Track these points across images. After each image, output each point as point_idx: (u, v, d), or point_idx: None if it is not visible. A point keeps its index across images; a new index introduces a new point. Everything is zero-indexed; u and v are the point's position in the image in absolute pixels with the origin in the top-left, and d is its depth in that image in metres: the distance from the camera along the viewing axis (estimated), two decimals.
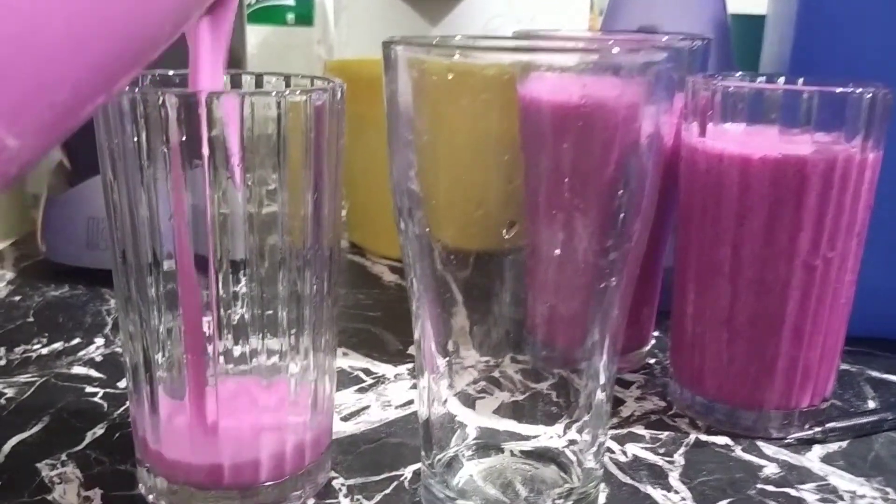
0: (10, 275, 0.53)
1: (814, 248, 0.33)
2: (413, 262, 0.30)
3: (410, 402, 0.38)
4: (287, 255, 0.28)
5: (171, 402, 0.29)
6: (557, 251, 0.30)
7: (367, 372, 0.41)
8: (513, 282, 0.30)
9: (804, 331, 0.35)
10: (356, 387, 0.40)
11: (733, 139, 0.34)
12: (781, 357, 0.35)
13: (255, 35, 0.91)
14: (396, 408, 0.38)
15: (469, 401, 0.31)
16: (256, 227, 0.27)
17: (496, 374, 0.32)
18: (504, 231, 0.29)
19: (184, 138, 0.26)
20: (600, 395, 0.30)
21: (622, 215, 0.29)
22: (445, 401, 0.32)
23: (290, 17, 0.93)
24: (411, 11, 0.71)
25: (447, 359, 0.31)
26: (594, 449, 0.31)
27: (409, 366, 0.42)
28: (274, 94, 0.27)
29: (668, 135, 0.38)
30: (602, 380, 0.31)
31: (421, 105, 0.28)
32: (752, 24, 0.56)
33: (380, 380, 0.41)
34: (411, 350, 0.44)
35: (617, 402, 0.39)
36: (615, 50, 0.26)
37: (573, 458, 0.31)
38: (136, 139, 0.26)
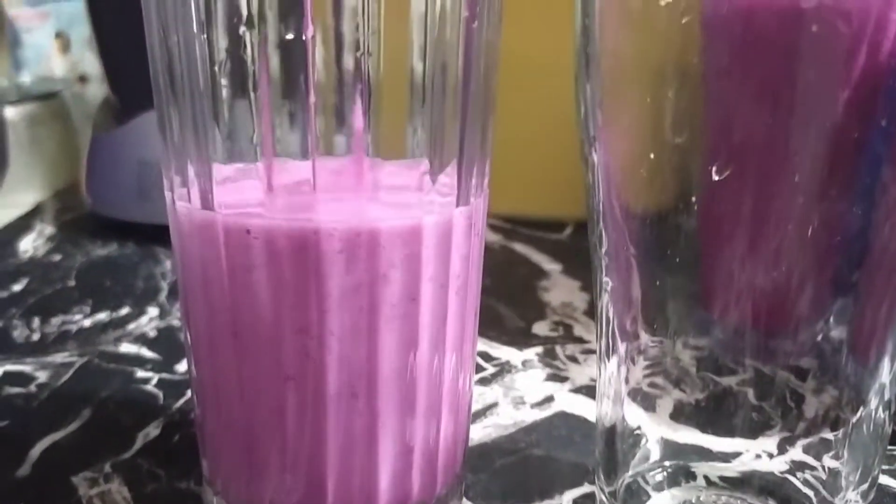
0: (49, 230, 0.45)
1: None
2: (602, 216, 0.22)
3: (550, 398, 0.29)
4: None
5: None
6: (776, 204, 0.21)
7: (487, 357, 0.32)
8: (712, 246, 0.21)
9: None
10: (477, 376, 0.31)
11: None
12: None
13: None
14: (532, 406, 0.29)
15: (648, 400, 0.23)
16: None
17: (697, 364, 0.23)
18: (714, 171, 0.21)
19: None
20: (881, 413, 0.21)
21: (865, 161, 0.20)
22: (623, 400, 0.23)
23: None
24: None
25: (630, 343, 0.23)
26: (858, 486, 0.21)
27: (538, 349, 0.33)
28: None
29: None
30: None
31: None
32: None
33: (504, 367, 0.32)
34: (536, 329, 0.35)
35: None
36: None
37: (807, 491, 0.22)
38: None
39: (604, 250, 0.22)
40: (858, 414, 0.21)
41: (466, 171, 0.20)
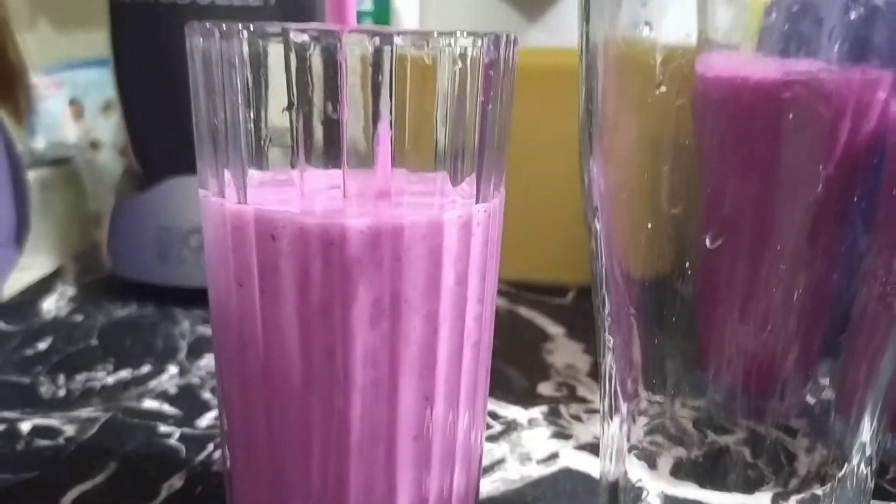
0: (71, 291, 0.47)
1: None
2: (604, 281, 0.23)
3: (555, 455, 0.31)
4: None
5: None
6: (765, 268, 0.22)
7: (494, 415, 0.34)
8: (717, 304, 0.23)
9: None
10: (486, 433, 0.32)
11: None
12: None
13: None
14: (538, 462, 0.30)
15: (651, 459, 0.24)
16: None
17: (694, 423, 0.24)
18: (707, 240, 0.23)
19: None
20: (863, 469, 0.23)
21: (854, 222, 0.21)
22: (624, 457, 0.25)
23: (368, 21, 0.87)
24: (506, 7, 0.65)
25: (631, 403, 0.24)
26: None
27: (543, 408, 0.34)
28: (429, 42, 0.20)
29: None
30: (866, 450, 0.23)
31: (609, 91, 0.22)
32: None
33: (511, 425, 0.33)
34: (541, 389, 0.36)
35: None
36: None
37: None
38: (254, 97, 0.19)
39: (606, 312, 0.24)
40: (843, 470, 0.23)
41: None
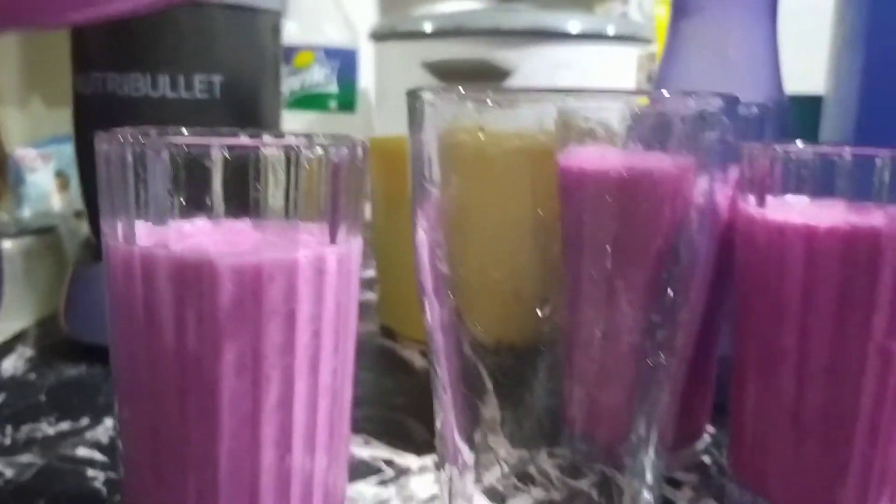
0: (29, 352, 0.51)
1: (891, 330, 0.30)
2: (439, 345, 0.28)
3: (434, 497, 0.35)
4: None
5: None
6: (598, 332, 0.27)
7: (390, 463, 0.38)
8: (549, 368, 0.27)
9: (880, 427, 0.31)
10: (377, 478, 0.36)
11: (796, 210, 0.31)
12: (855, 456, 0.31)
13: (298, 121, 0.91)
14: (419, 503, 0.34)
15: (497, 497, 0.28)
16: None
17: (530, 468, 0.28)
18: (538, 309, 0.27)
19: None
20: (647, 497, 0.27)
21: (670, 293, 0.26)
22: (471, 497, 0.29)
23: (333, 104, 0.93)
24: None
25: (474, 451, 0.28)
26: None
27: (435, 457, 0.38)
28: (287, 147, 0.25)
29: (721, 206, 0.35)
30: (648, 479, 0.27)
31: (448, 170, 0.26)
32: (807, 105, 0.54)
33: (403, 472, 0.37)
34: None
35: None
36: (666, 94, 0.23)
37: None
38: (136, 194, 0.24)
39: (441, 384, 0.28)
40: (637, 499, 0.27)
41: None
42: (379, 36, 0.79)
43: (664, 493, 0.36)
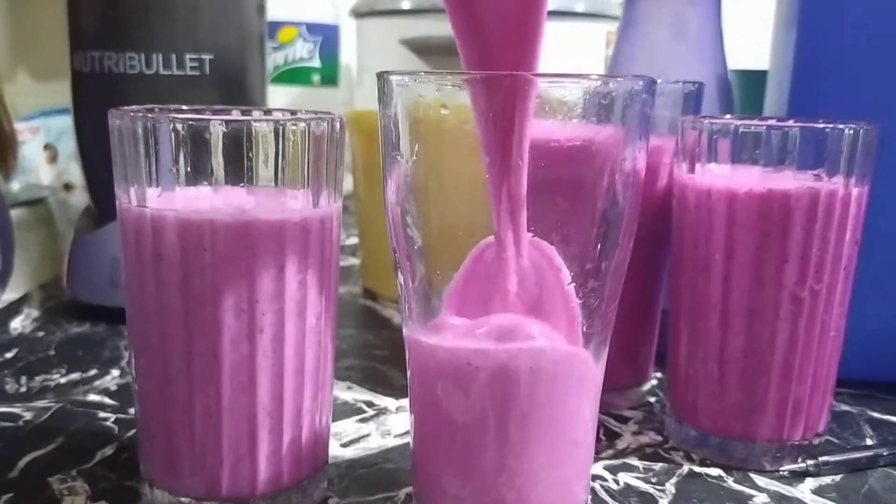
0: (35, 313, 0.55)
1: (801, 279, 0.34)
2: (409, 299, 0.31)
3: (407, 432, 0.39)
4: None
5: None
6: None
7: (370, 404, 0.42)
8: None
9: (794, 362, 0.35)
10: (358, 417, 0.41)
11: (720, 175, 0.35)
12: (772, 389, 0.36)
13: (282, 95, 0.95)
14: (395, 436, 0.39)
15: None
16: None
17: None
18: None
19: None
20: None
21: (599, 246, 0.29)
22: None
23: (316, 78, 0.97)
24: (429, 69, 0.74)
25: None
26: None
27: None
28: (275, 122, 0.29)
29: (657, 172, 0.40)
30: None
31: (414, 141, 0.30)
32: (756, 79, 0.58)
33: (381, 411, 0.42)
34: None
35: (613, 436, 0.39)
36: (597, 77, 0.27)
37: None
38: (147, 161, 0.28)
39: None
40: None
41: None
42: (359, 13, 0.82)
43: (611, 426, 0.40)
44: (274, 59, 0.95)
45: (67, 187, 0.89)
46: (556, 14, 0.76)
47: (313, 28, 0.97)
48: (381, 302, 0.61)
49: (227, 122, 0.28)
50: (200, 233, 0.28)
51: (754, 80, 0.60)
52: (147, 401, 0.31)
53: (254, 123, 0.28)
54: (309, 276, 0.30)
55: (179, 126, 0.27)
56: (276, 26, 0.94)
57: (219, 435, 0.30)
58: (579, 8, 0.77)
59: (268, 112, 0.33)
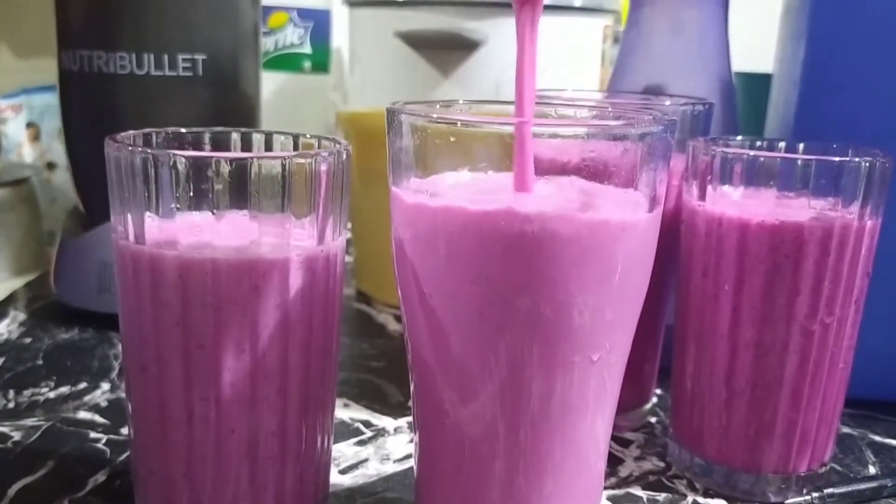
0: (21, 316, 0.54)
1: (812, 312, 0.34)
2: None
3: (409, 456, 0.38)
4: None
5: None
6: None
7: (368, 424, 0.42)
8: None
9: (802, 394, 0.35)
10: (355, 439, 0.40)
11: (732, 203, 0.34)
12: (779, 420, 0.35)
13: (272, 81, 0.93)
14: (395, 462, 0.38)
15: None
16: None
17: None
18: None
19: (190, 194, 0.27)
20: None
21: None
22: None
23: (307, 64, 0.95)
24: (423, 62, 0.73)
25: None
26: None
27: (410, 419, 0.42)
28: (281, 157, 0.28)
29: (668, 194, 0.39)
30: None
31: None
32: (759, 82, 0.57)
33: (380, 432, 0.41)
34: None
35: (615, 461, 0.39)
36: (613, 122, 0.26)
37: None
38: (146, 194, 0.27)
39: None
40: None
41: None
42: (353, 2, 0.80)
43: (613, 450, 0.40)
44: (264, 45, 0.93)
45: (50, 166, 0.87)
46: (554, 8, 0.75)
47: (304, 13, 0.95)
48: (375, 306, 0.60)
49: (231, 160, 0.27)
50: (203, 273, 0.27)
51: (757, 83, 0.59)
52: (144, 438, 0.30)
53: (259, 161, 0.27)
54: (314, 313, 0.29)
55: (181, 165, 0.26)
56: (266, 11, 0.92)
57: (218, 476, 0.29)
58: (577, 2, 0.76)
59: (269, 138, 0.32)
